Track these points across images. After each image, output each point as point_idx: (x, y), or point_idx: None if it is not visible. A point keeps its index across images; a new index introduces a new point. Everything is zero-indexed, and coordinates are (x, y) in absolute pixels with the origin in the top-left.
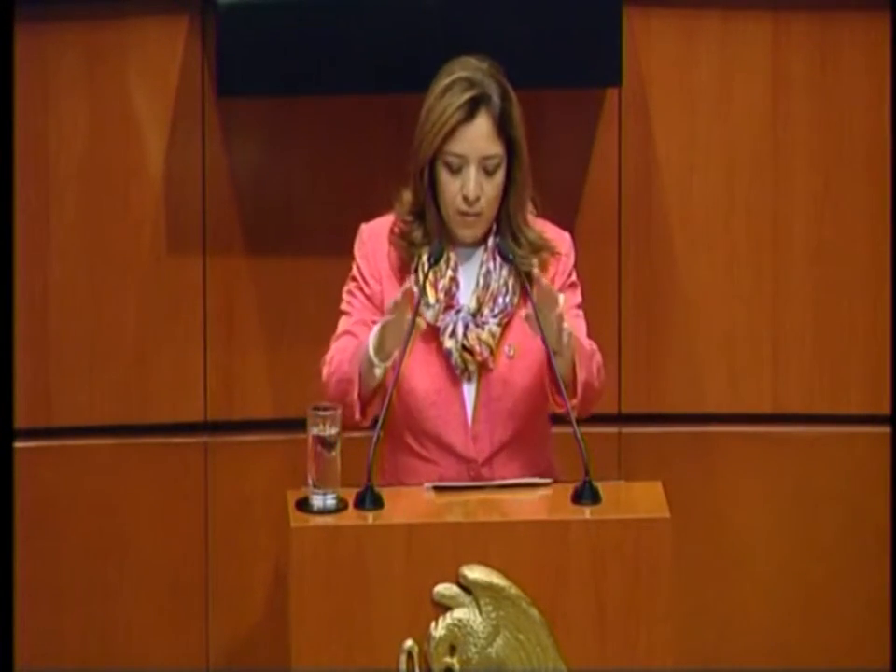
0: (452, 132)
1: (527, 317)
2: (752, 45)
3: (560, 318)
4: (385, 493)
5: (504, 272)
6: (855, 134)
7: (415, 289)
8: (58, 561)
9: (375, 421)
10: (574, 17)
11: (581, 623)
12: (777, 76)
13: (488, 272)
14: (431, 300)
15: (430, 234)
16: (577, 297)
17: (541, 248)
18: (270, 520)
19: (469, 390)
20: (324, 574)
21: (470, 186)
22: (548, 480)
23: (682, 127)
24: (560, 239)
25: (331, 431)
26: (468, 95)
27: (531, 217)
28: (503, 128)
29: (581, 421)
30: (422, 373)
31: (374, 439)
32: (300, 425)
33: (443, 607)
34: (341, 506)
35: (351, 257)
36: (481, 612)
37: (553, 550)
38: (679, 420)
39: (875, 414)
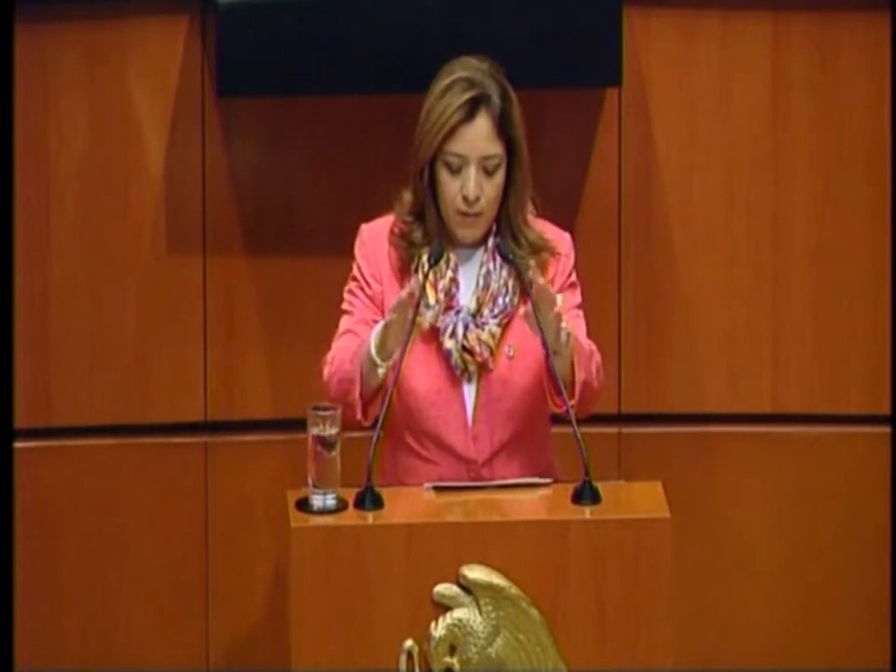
0: (452, 132)
1: (526, 315)
2: (752, 45)
3: (559, 318)
4: (385, 493)
5: (504, 272)
6: (855, 134)
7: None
8: (58, 561)
9: (376, 421)
10: (574, 17)
11: (581, 623)
12: (777, 76)
13: (488, 272)
14: (431, 300)
15: (430, 235)
16: (577, 297)
17: (541, 249)
18: (270, 520)
19: (469, 391)
20: (324, 574)
21: (470, 186)
22: (548, 480)
23: (682, 127)
24: (560, 239)
25: (331, 431)
26: (468, 95)
27: (531, 218)
28: (503, 128)
29: (580, 421)
30: (422, 374)
31: (374, 439)
32: (300, 425)
33: (443, 607)
34: (341, 506)
35: (351, 257)
36: (481, 612)
37: (552, 550)
38: (679, 420)
39: (875, 414)
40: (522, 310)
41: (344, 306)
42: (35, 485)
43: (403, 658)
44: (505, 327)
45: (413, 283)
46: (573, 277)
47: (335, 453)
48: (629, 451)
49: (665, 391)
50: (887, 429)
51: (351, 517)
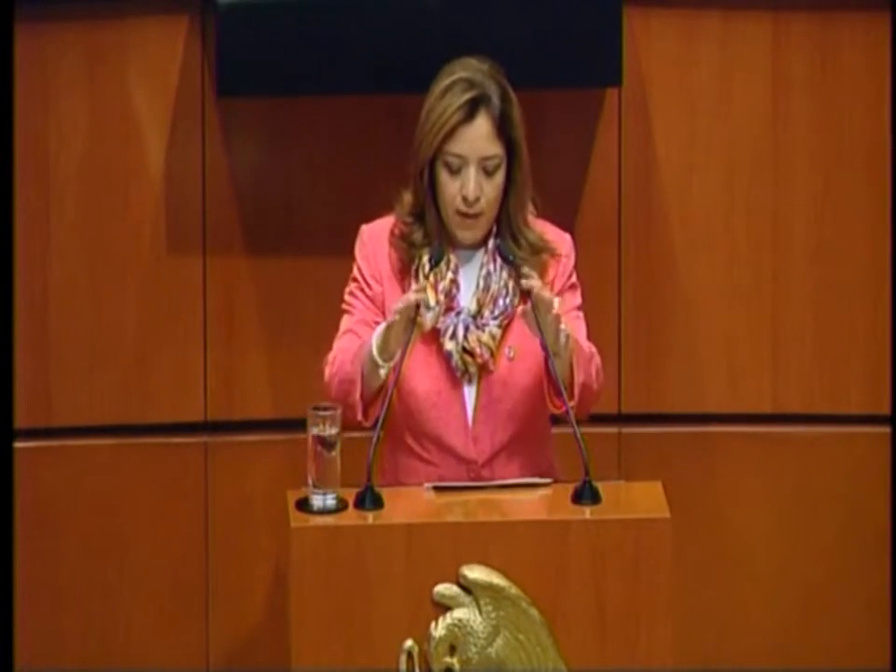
0: (451, 132)
1: (524, 313)
2: (752, 45)
3: (558, 320)
4: (385, 493)
5: (504, 273)
6: (855, 134)
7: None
8: (58, 561)
9: (376, 421)
10: (574, 17)
11: (581, 623)
12: (777, 76)
13: (488, 273)
14: (432, 302)
15: (430, 236)
16: (577, 298)
17: (542, 250)
18: (270, 520)
19: (469, 392)
20: (324, 574)
21: (470, 186)
22: (548, 480)
23: (682, 127)
24: (560, 240)
25: (331, 431)
26: (467, 96)
27: (531, 218)
28: (503, 129)
29: (580, 421)
30: (422, 375)
31: (374, 439)
32: (300, 425)
33: (443, 607)
34: (341, 506)
35: (351, 257)
36: (481, 612)
37: (552, 550)
38: (679, 420)
39: (874, 414)
40: (520, 309)
41: (345, 306)
42: (35, 485)
43: (403, 658)
44: (505, 328)
45: (420, 293)
46: (573, 279)
47: (335, 453)
48: (629, 451)
49: (665, 391)
50: (887, 429)
51: (351, 517)
